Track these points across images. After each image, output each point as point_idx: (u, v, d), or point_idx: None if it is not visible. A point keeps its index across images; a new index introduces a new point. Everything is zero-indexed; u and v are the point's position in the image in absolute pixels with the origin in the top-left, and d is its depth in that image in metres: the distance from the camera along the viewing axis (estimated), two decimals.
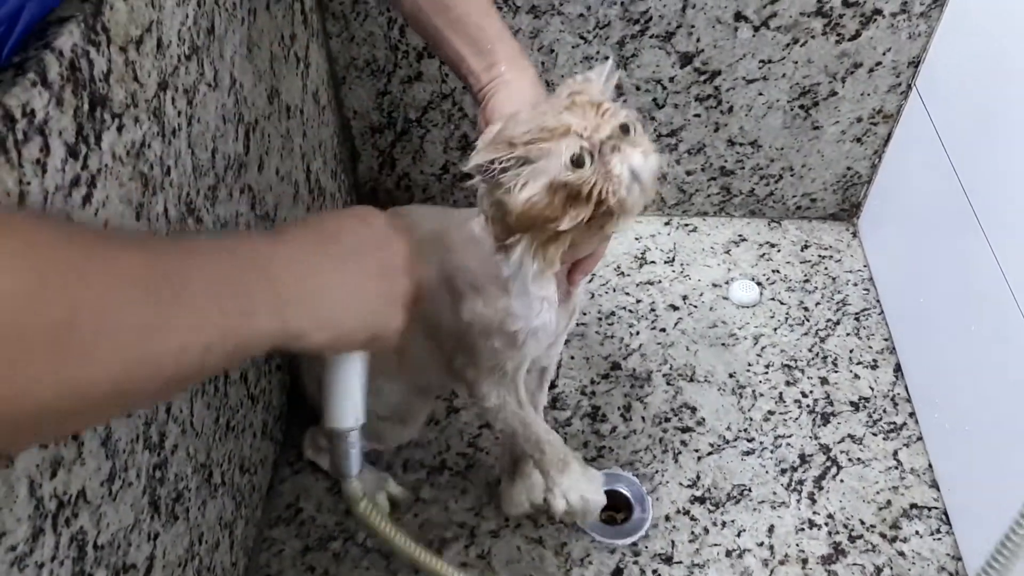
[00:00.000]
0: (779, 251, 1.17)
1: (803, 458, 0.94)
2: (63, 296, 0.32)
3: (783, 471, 0.93)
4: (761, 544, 0.87)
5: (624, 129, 0.59)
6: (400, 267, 0.54)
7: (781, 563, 0.85)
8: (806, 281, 1.13)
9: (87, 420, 0.43)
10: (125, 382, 0.35)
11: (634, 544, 0.87)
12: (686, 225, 1.21)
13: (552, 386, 0.98)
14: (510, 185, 0.59)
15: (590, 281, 1.10)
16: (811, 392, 1.00)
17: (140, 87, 0.57)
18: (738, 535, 0.88)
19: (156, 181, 0.60)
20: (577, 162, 0.58)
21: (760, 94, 1.07)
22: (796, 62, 1.03)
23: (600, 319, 1.08)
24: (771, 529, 0.88)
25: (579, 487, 0.75)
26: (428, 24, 0.72)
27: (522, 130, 0.59)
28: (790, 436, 0.96)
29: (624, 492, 0.91)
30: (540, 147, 0.58)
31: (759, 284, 1.12)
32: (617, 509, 0.91)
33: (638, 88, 1.06)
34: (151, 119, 0.59)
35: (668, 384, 1.01)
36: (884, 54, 1.02)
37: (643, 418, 0.97)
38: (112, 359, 0.34)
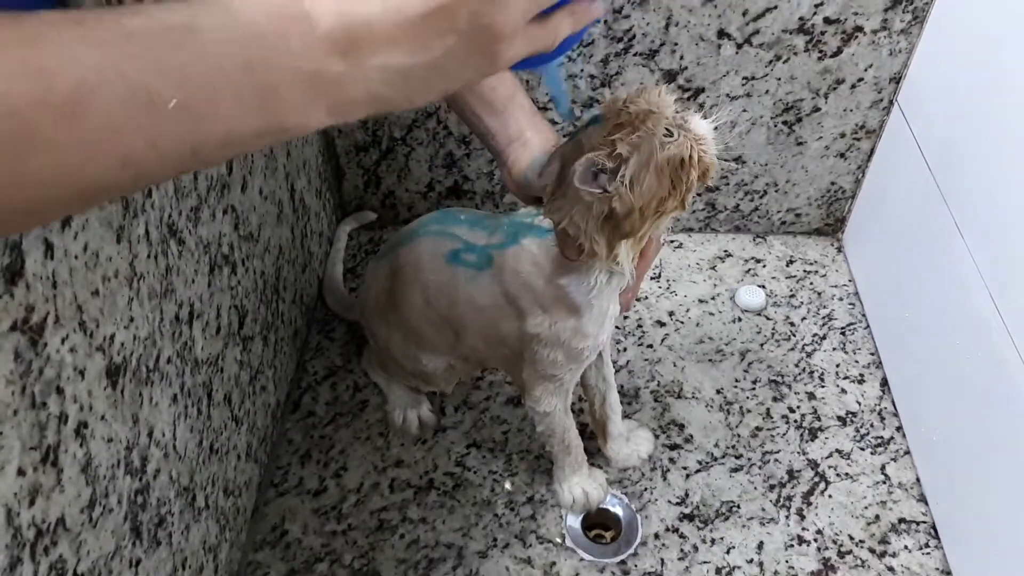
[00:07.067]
0: (764, 266, 1.17)
1: (791, 474, 0.94)
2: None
3: (771, 487, 0.93)
4: (751, 561, 0.86)
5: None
6: None
7: None
8: (792, 296, 1.13)
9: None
10: None
11: (623, 562, 0.86)
12: (672, 241, 1.21)
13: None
14: (618, 189, 0.60)
15: None
16: (798, 407, 1.00)
17: None
18: (727, 552, 0.87)
19: (137, 203, 0.60)
20: (669, 134, 0.61)
21: (744, 110, 1.07)
22: (779, 78, 1.04)
23: None
24: (760, 545, 0.88)
25: (584, 484, 0.89)
26: None
27: (597, 140, 0.61)
28: (778, 452, 0.96)
29: (613, 510, 0.90)
30: (630, 139, 0.60)
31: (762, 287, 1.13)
32: (606, 527, 0.91)
33: None
34: None
35: (656, 401, 1.01)
36: (866, 70, 1.03)
37: None
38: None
